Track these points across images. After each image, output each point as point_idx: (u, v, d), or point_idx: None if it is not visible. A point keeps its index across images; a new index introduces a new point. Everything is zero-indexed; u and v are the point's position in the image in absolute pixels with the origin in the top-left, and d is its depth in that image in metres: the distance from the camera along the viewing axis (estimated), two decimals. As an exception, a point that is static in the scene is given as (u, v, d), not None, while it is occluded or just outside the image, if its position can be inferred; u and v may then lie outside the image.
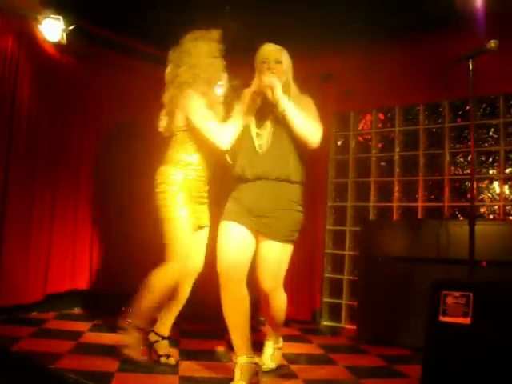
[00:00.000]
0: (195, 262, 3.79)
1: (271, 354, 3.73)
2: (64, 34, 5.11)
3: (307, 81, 5.68)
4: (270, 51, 3.48)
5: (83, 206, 5.58)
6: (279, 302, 3.60)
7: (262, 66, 3.44)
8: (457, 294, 2.11)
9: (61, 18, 5.01)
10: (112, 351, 3.67)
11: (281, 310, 3.63)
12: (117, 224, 5.73)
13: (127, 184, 5.72)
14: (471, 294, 2.08)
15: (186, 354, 3.91)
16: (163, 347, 3.70)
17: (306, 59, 5.61)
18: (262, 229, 3.35)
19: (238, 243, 3.33)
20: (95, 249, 5.65)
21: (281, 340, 3.84)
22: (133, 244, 5.74)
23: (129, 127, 5.88)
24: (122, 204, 5.75)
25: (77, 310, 5.40)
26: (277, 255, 3.40)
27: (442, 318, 2.15)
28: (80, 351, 3.78)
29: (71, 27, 5.14)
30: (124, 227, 5.72)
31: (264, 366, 3.57)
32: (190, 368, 3.57)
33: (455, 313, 2.12)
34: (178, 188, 3.58)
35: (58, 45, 5.19)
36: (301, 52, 5.33)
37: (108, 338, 4.21)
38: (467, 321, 2.08)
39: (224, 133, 3.47)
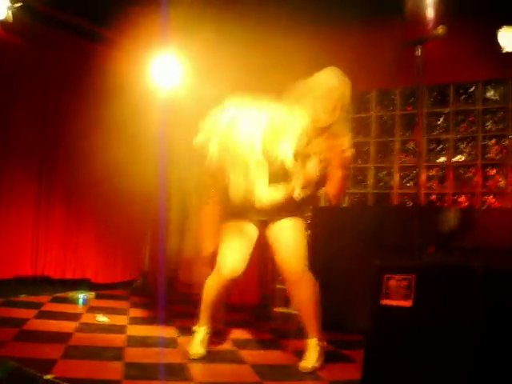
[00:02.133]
0: None
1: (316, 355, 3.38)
2: (10, 12, 4.94)
3: (258, 69, 5.71)
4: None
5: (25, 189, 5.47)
6: (312, 287, 3.39)
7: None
8: (399, 277, 2.12)
9: (6, -6, 4.85)
10: (56, 338, 3.60)
11: (316, 293, 3.41)
12: (63, 207, 5.63)
13: (78, 166, 5.69)
14: (413, 277, 2.09)
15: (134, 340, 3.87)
16: None
17: (259, 47, 5.60)
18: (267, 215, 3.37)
19: (240, 243, 3.43)
20: (41, 234, 5.53)
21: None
22: (80, 228, 5.68)
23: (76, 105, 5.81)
24: (70, 186, 5.67)
25: (23, 297, 5.28)
26: (292, 232, 3.38)
27: (384, 301, 2.15)
28: (24, 338, 3.68)
29: (17, 5, 4.98)
30: (70, 210, 5.63)
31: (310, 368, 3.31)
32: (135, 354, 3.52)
33: (397, 296, 2.12)
34: None
35: (3, 23, 5.02)
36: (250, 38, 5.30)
37: (53, 324, 4.13)
38: (409, 304, 2.08)
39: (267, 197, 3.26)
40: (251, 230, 3.49)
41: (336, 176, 3.23)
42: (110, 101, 5.89)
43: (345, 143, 3.16)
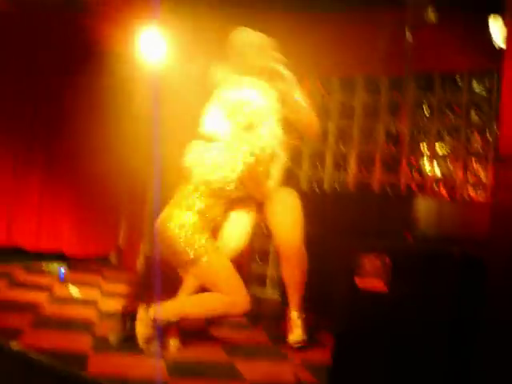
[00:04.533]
0: None
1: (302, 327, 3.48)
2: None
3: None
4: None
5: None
6: (304, 262, 3.52)
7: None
8: (374, 258, 2.10)
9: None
10: (26, 308, 3.56)
11: (305, 273, 3.53)
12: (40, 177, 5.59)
13: (59, 137, 5.65)
14: (388, 260, 2.07)
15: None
16: None
17: (248, 22, 5.51)
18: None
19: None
20: (16, 203, 5.44)
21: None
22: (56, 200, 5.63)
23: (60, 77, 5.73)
24: (49, 157, 5.62)
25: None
26: (290, 207, 3.49)
27: (359, 282, 2.13)
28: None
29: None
30: (47, 181, 5.62)
31: (301, 341, 3.41)
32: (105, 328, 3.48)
33: (371, 277, 2.10)
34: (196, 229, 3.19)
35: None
36: (242, 14, 5.23)
37: (23, 294, 4.10)
38: (382, 285, 2.06)
39: None
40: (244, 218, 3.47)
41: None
42: (93, 73, 5.82)
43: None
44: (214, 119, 3.28)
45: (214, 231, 3.30)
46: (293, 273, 3.49)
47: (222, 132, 3.22)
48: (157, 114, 5.99)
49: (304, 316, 3.51)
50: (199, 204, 3.15)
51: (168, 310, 3.08)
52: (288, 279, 3.54)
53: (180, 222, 3.10)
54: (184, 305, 3.21)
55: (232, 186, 3.12)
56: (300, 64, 5.45)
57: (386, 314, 2.08)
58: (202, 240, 3.08)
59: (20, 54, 5.41)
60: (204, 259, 3.04)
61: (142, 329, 3.04)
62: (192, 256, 3.04)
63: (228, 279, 3.09)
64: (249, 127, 3.20)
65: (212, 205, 3.19)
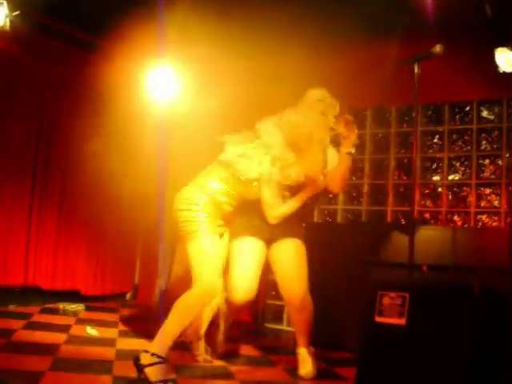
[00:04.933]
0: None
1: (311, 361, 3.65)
2: (7, 20, 4.93)
3: (253, 80, 5.72)
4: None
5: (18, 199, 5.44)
6: (310, 308, 3.65)
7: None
8: (393, 294, 2.10)
9: (4, 2, 4.83)
10: (45, 350, 3.55)
11: (312, 315, 3.67)
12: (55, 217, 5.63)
13: (71, 176, 5.76)
14: (407, 295, 2.07)
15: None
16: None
17: (254, 59, 5.60)
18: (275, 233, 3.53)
19: (253, 261, 3.55)
20: (32, 243, 5.48)
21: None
22: (71, 238, 5.67)
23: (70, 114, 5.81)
24: (63, 196, 5.68)
25: (12, 307, 5.22)
26: (295, 256, 3.59)
27: (378, 319, 2.13)
28: (11, 349, 3.62)
29: (15, 13, 4.97)
30: (61, 220, 5.64)
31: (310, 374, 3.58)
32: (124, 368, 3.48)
33: (391, 313, 2.10)
34: (200, 208, 3.26)
35: (0, 31, 5.01)
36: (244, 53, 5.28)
37: (42, 336, 4.08)
38: (403, 321, 2.06)
39: (278, 211, 3.41)
40: (262, 249, 3.63)
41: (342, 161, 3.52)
42: (104, 111, 5.91)
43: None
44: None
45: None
46: (299, 317, 3.66)
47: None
48: (167, 151, 6.06)
49: (313, 350, 3.69)
50: (219, 196, 3.31)
51: (158, 343, 3.10)
52: (295, 322, 3.74)
53: (191, 197, 3.28)
54: (165, 328, 3.13)
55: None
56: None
57: (406, 349, 2.08)
58: (201, 218, 3.21)
59: (28, 95, 5.49)
60: (196, 236, 3.18)
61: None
62: (188, 229, 3.20)
63: (202, 264, 3.17)
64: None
65: (227, 205, 3.33)
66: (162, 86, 5.61)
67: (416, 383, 2.04)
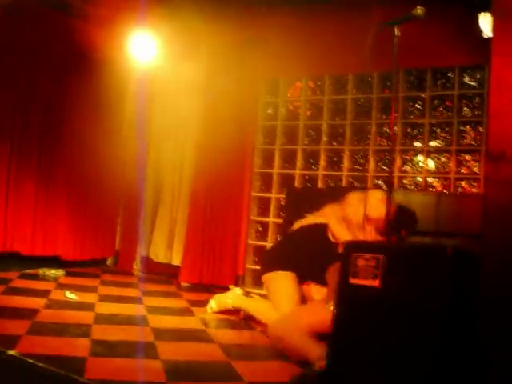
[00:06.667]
0: None
1: None
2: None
3: (237, 45, 5.66)
4: None
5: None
6: None
7: None
8: (367, 256, 2.10)
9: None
10: (24, 314, 3.55)
11: None
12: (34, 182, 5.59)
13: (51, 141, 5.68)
14: (381, 257, 2.07)
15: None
16: None
17: (236, 22, 5.53)
18: None
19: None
20: (11, 209, 5.42)
21: None
22: (51, 204, 5.62)
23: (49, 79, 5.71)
24: (42, 161, 5.63)
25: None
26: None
27: (353, 280, 2.14)
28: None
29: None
30: (41, 185, 5.61)
31: None
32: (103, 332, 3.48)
33: (365, 275, 2.10)
34: None
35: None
36: (230, 14, 5.25)
37: (21, 300, 4.08)
38: (377, 283, 2.07)
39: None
40: None
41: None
42: (84, 75, 5.82)
43: None
44: None
45: None
46: None
47: None
48: (147, 115, 6.01)
49: None
50: None
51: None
52: None
53: None
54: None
55: None
56: (292, 63, 5.54)
57: (380, 311, 2.09)
58: None
59: (5, 58, 5.35)
60: None
61: None
62: None
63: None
64: None
65: None
66: (143, 51, 5.53)
67: (389, 343, 2.06)
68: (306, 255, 4.04)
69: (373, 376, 2.09)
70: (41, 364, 2.68)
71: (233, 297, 4.37)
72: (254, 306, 4.19)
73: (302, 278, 4.05)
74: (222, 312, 4.36)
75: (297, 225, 4.32)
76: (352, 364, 2.13)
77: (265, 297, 4.33)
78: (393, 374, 2.03)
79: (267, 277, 4.13)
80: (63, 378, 2.57)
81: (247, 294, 4.65)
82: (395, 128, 4.94)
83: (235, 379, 2.79)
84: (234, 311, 4.32)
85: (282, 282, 3.98)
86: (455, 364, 2.02)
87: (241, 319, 4.24)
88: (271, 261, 4.24)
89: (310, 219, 4.28)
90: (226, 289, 4.99)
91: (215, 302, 4.40)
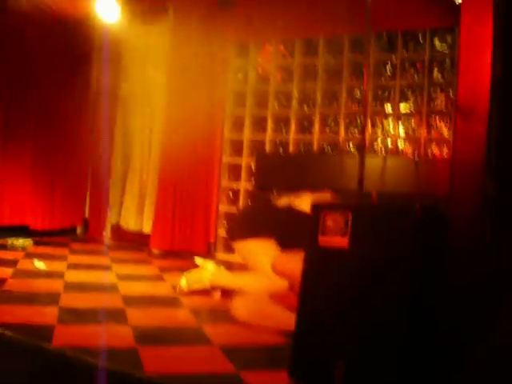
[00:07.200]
0: None
1: None
2: None
3: (205, 8, 5.55)
4: None
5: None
6: None
7: None
8: (336, 214, 2.08)
9: None
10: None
11: None
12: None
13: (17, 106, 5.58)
14: (350, 215, 2.05)
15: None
16: None
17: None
18: None
19: None
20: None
21: None
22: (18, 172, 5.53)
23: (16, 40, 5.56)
24: (8, 127, 5.51)
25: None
26: None
27: (321, 238, 2.12)
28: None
29: None
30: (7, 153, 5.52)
31: None
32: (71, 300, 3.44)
33: (333, 233, 2.09)
34: None
35: None
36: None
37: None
38: (345, 241, 2.05)
39: None
40: None
41: None
42: (49, 38, 5.67)
43: None
44: None
45: None
46: None
47: None
48: (115, 80, 5.89)
49: None
50: None
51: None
52: None
53: None
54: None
55: None
56: (262, 27, 5.45)
57: (348, 270, 2.08)
58: None
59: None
60: None
61: None
62: None
63: None
64: None
65: None
66: (109, 12, 5.37)
67: (358, 305, 2.05)
68: (290, 233, 3.73)
69: (341, 335, 2.08)
70: (8, 333, 2.64)
71: (209, 275, 3.94)
72: (243, 281, 3.78)
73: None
74: (194, 293, 3.93)
75: (285, 200, 4.04)
76: (321, 324, 2.12)
77: (240, 265, 4.18)
78: (361, 334, 2.03)
79: (245, 244, 3.84)
80: (30, 345, 2.53)
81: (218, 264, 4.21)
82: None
83: (205, 343, 2.78)
84: (208, 291, 3.94)
85: (264, 250, 3.76)
86: (423, 324, 2.03)
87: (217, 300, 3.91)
88: (246, 227, 3.95)
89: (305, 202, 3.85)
90: (197, 255, 4.98)
91: (185, 282, 3.92)
